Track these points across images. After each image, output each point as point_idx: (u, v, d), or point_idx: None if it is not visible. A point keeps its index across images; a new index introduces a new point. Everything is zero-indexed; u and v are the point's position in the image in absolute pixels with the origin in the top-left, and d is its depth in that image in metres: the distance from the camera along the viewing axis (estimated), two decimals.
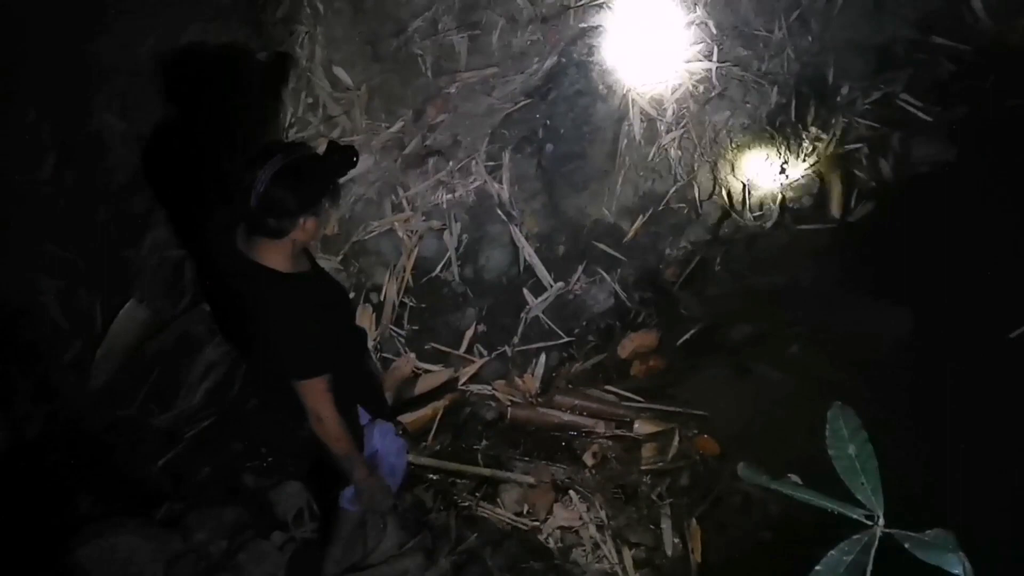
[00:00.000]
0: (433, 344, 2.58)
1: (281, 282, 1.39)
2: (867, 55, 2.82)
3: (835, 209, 2.79)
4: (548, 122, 2.79)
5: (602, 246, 2.69)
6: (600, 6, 2.81)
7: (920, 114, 2.77)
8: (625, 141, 2.80)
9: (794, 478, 0.96)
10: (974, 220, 2.60)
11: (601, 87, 2.78)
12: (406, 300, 2.62)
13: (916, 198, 2.76)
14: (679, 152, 2.80)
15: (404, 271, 2.64)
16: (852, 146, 2.80)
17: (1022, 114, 2.72)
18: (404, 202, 2.72)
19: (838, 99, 2.83)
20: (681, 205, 2.79)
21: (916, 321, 2.54)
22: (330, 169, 1.39)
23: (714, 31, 2.81)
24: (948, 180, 2.74)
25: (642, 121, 2.79)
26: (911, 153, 2.79)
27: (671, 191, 2.77)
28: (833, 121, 2.82)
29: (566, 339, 2.59)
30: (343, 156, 1.39)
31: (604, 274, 2.69)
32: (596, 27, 2.82)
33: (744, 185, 2.79)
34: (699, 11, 2.82)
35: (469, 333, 2.59)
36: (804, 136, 2.82)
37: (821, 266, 2.74)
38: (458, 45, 2.80)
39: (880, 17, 2.84)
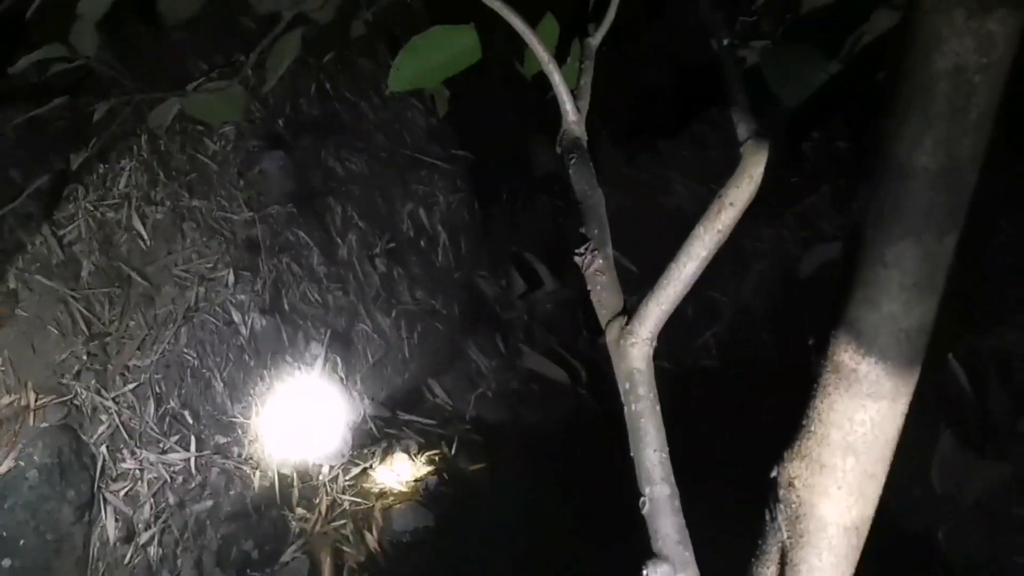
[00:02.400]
0: None
1: None
2: (343, 433, 4.31)
3: None
4: (4, 534, 3.66)
5: None
6: (65, 404, 3.90)
7: (397, 486, 4.28)
8: (98, 545, 3.77)
9: None
10: None
11: (68, 489, 3.77)
12: None
13: (402, 567, 4.16)
14: (159, 549, 3.85)
15: None
16: (338, 523, 4.15)
17: (482, 478, 4.40)
18: None
19: (321, 478, 4.22)
20: None
21: None
22: None
23: (191, 421, 4.06)
24: (428, 548, 4.21)
25: (117, 521, 3.82)
26: (393, 523, 4.24)
27: None
28: (317, 500, 4.16)
29: None
30: None
31: None
32: (60, 426, 3.87)
33: None
34: (173, 402, 4.07)
35: None
36: (291, 518, 4.09)
37: None
38: None
39: (352, 399, 4.40)
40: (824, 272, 3.87)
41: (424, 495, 4.15)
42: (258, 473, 3.89)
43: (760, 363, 3.99)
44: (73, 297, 3.75)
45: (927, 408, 3.34)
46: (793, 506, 1.14)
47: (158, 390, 3.80)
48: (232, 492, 3.85)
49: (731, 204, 1.34)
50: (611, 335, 1.44)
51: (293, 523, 3.94)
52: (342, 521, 4.01)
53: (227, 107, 2.54)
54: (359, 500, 4.07)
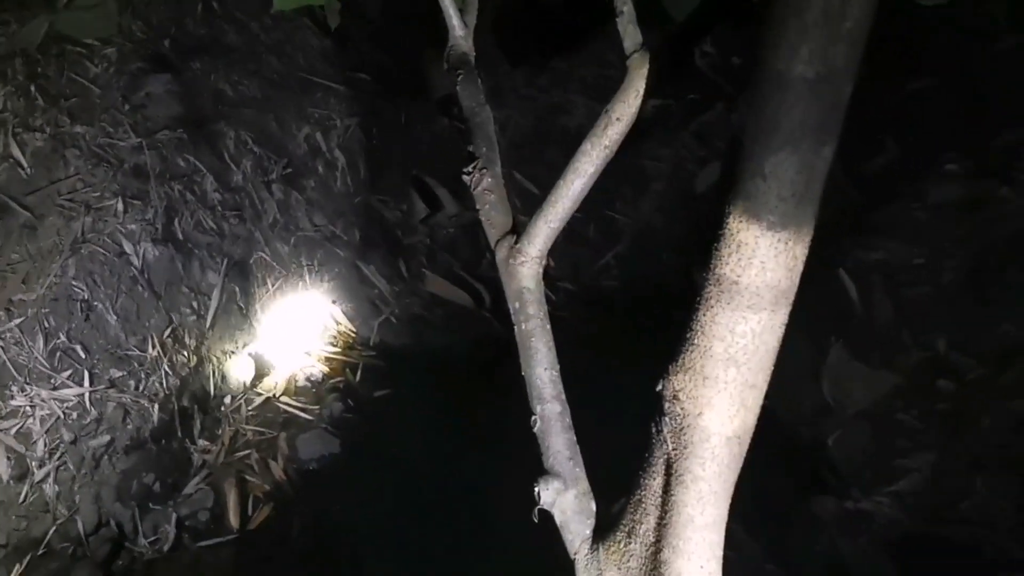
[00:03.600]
0: None
1: None
2: (245, 363, 4.24)
3: (233, 519, 3.99)
4: None
5: None
6: None
7: (301, 414, 4.24)
8: None
9: None
10: (368, 509, 4.07)
11: None
12: None
13: (308, 495, 4.15)
14: (56, 486, 3.75)
15: None
16: (241, 453, 4.10)
17: (388, 404, 4.38)
18: None
19: (223, 409, 4.15)
20: (65, 544, 3.69)
21: None
22: None
23: (83, 356, 3.93)
24: (334, 474, 4.20)
25: (9, 459, 3.70)
26: (299, 452, 4.20)
27: (51, 531, 3.66)
28: (220, 431, 4.10)
29: None
30: None
31: None
32: None
33: (134, 511, 3.84)
34: (63, 336, 3.93)
35: None
36: (193, 450, 4.02)
37: None
38: None
39: (250, 326, 4.32)
40: (718, 189, 3.92)
41: (329, 422, 4.12)
42: (156, 406, 3.80)
43: (660, 282, 4.04)
44: None
45: (818, 321, 3.44)
46: (677, 418, 1.15)
47: (46, 325, 3.67)
48: (130, 426, 3.77)
49: (618, 119, 1.32)
50: (500, 254, 1.43)
51: (195, 455, 3.88)
52: (246, 451, 3.97)
53: (99, 22, 2.41)
54: (263, 430, 4.03)
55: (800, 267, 1.09)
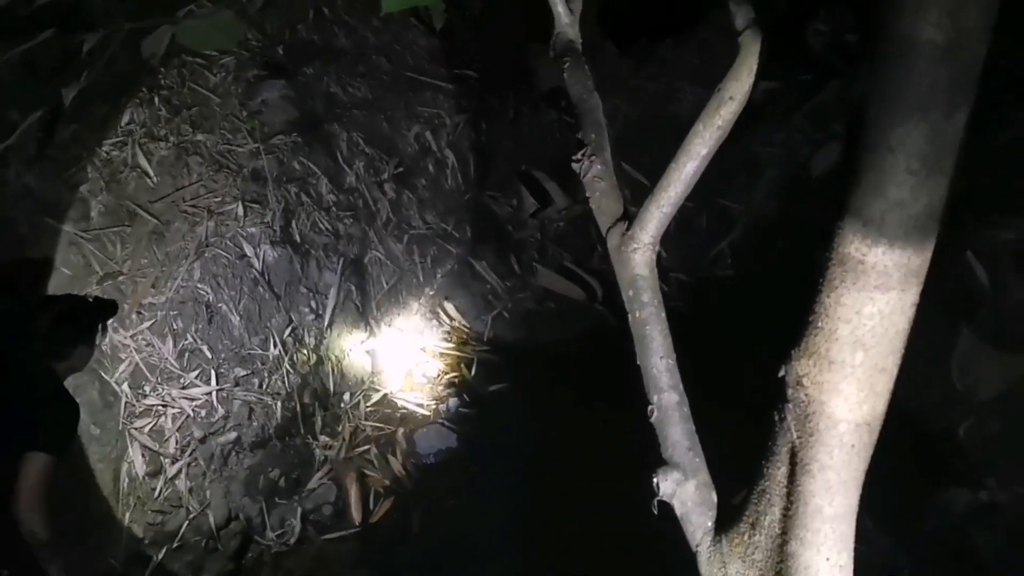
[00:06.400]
0: None
1: None
2: (362, 360, 4.32)
3: (355, 513, 4.07)
4: None
5: None
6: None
7: (418, 409, 4.29)
8: (127, 480, 3.81)
9: None
10: (486, 503, 4.09)
11: (92, 427, 3.80)
12: None
13: (427, 489, 4.19)
14: (188, 482, 3.89)
15: None
16: (361, 448, 4.18)
17: (503, 398, 4.39)
18: None
19: (342, 405, 4.24)
20: (198, 538, 3.83)
21: None
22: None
23: (209, 356, 4.07)
24: (452, 468, 4.23)
25: (144, 456, 3.85)
26: (417, 446, 4.26)
27: (184, 524, 3.80)
28: (340, 428, 4.19)
29: None
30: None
31: None
32: None
33: (261, 505, 3.95)
34: (190, 337, 4.07)
35: None
36: (315, 446, 4.12)
37: (354, 573, 3.97)
38: None
39: (367, 324, 4.40)
40: (835, 171, 3.77)
41: (446, 417, 4.15)
42: (279, 404, 3.89)
43: (776, 269, 3.92)
44: (83, 238, 3.72)
45: (945, 305, 3.28)
46: (802, 405, 1.10)
47: (175, 327, 3.80)
48: (255, 423, 3.87)
49: (731, 98, 1.27)
50: (612, 242, 1.39)
51: (317, 451, 3.95)
52: (366, 447, 4.03)
53: (221, 33, 2.46)
54: (381, 425, 4.09)
55: (932, 243, 1.02)
